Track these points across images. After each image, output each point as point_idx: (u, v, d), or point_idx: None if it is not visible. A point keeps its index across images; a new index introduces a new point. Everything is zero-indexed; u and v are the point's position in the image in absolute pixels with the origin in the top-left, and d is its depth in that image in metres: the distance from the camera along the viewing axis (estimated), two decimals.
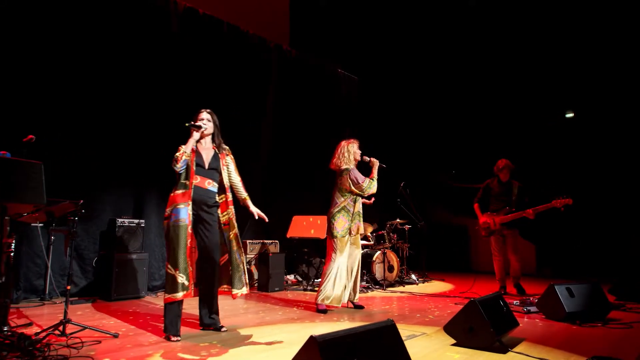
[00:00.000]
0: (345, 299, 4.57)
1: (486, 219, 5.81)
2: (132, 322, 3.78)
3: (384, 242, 7.16)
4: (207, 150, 3.53)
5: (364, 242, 7.20)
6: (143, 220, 5.37)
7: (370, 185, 4.53)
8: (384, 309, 4.63)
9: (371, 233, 7.23)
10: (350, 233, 4.50)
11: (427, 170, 9.86)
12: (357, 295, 4.66)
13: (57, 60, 5.08)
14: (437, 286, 6.80)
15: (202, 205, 3.42)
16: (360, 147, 4.82)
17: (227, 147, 3.71)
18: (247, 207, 3.79)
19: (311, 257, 6.78)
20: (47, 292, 4.81)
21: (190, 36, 6.36)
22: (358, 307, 4.64)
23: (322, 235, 6.12)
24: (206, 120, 3.54)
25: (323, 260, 6.47)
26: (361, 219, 4.64)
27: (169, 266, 3.26)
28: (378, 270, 6.63)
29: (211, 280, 3.51)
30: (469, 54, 9.04)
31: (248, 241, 6.62)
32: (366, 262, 6.79)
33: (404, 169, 8.79)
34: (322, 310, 4.34)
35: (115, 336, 3.21)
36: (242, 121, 7.00)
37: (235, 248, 3.54)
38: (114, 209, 5.48)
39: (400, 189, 7.44)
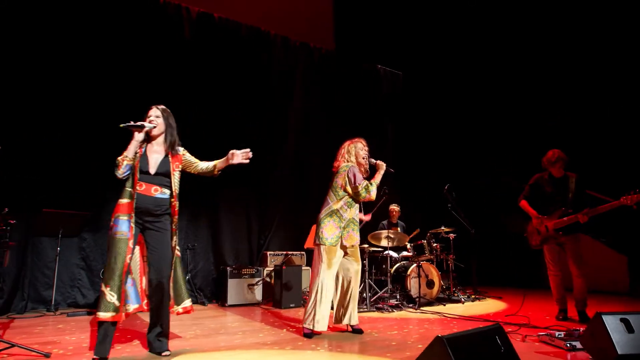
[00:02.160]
0: (341, 321, 3.88)
1: (537, 222, 4.66)
2: (94, 339, 3.51)
3: (425, 252, 6.22)
4: (155, 153, 3.13)
5: (404, 253, 6.35)
6: None
7: (368, 190, 3.80)
8: (388, 335, 3.83)
9: (410, 243, 6.34)
10: (341, 242, 3.79)
11: (481, 171, 8.54)
12: (355, 316, 3.92)
13: (70, 70, 5.20)
14: (487, 305, 5.68)
15: (149, 214, 3.04)
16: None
17: (183, 149, 3.29)
18: (227, 165, 3.30)
19: None
20: (52, 303, 4.83)
21: (206, 41, 6.21)
22: (356, 331, 3.89)
23: None
24: (154, 117, 3.15)
25: None
26: (357, 227, 3.91)
27: (103, 282, 2.92)
28: (414, 285, 5.74)
29: (159, 296, 3.09)
30: (526, 42, 7.70)
31: (268, 253, 6.18)
32: (400, 277, 5.95)
33: (450, 169, 7.73)
34: (307, 335, 3.70)
35: (47, 356, 2.94)
36: (266, 125, 6.65)
37: (176, 260, 3.13)
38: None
39: (444, 192, 6.44)
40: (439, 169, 8.03)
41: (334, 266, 3.78)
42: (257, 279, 5.73)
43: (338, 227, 3.81)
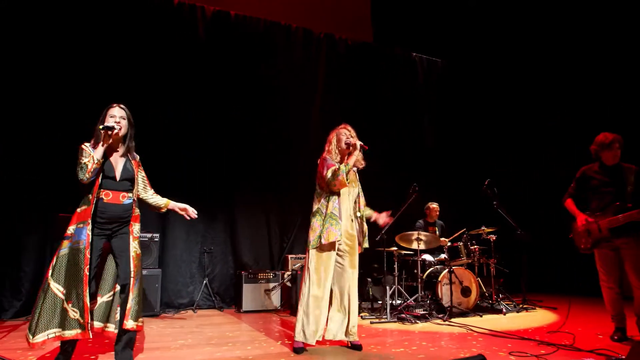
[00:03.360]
0: (333, 335, 3.45)
1: (585, 224, 3.86)
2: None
3: (461, 256, 5.55)
4: (117, 157, 2.94)
5: (442, 256, 5.73)
6: (157, 235, 5.16)
7: (335, 174, 3.32)
8: (390, 352, 3.33)
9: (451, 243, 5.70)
10: (320, 243, 3.37)
11: (531, 165, 7.48)
12: (353, 331, 3.46)
13: (87, 73, 5.28)
14: (533, 318, 4.90)
15: (117, 222, 2.86)
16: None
17: (137, 156, 3.08)
18: (173, 210, 3.11)
19: (369, 276, 5.68)
20: None
21: (220, 40, 6.07)
22: (355, 347, 3.44)
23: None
24: (119, 117, 2.93)
25: (370, 280, 5.36)
26: (338, 222, 3.38)
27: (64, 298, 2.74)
28: (446, 293, 5.12)
29: (124, 306, 2.91)
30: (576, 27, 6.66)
31: (290, 256, 5.87)
32: (431, 283, 5.36)
33: (493, 163, 6.91)
34: (297, 350, 3.31)
35: None
36: (286, 124, 6.36)
37: (137, 270, 2.88)
38: (141, 223, 5.40)
39: (484, 189, 5.69)
40: (481, 163, 7.21)
41: (322, 271, 3.36)
42: (273, 284, 5.44)
43: (319, 226, 3.40)
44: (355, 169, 3.67)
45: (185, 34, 5.86)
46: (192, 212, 3.14)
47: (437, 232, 6.43)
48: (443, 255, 5.68)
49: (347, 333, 3.45)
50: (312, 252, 3.41)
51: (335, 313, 3.51)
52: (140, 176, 3.07)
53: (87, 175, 2.73)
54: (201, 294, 5.47)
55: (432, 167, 7.18)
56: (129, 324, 2.81)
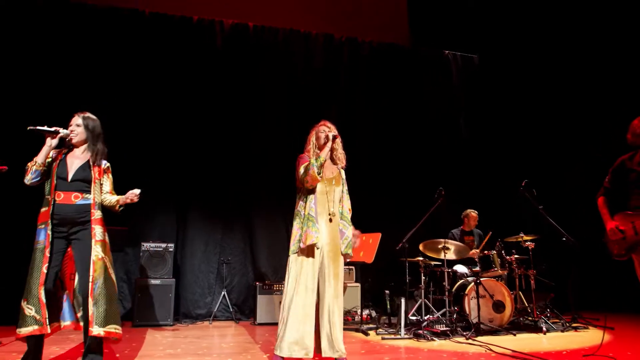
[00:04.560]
0: (324, 351, 3.13)
1: (620, 224, 3.22)
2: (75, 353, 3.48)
3: (493, 267, 4.96)
4: (76, 160, 2.99)
5: (467, 268, 5.18)
6: (172, 245, 5.20)
7: (307, 169, 3.08)
8: None
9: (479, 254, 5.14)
10: (299, 247, 3.11)
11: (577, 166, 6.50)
12: (337, 346, 3.12)
13: (94, 85, 5.51)
14: (579, 338, 4.20)
15: (73, 223, 2.88)
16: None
17: (108, 164, 3.10)
18: (124, 203, 3.04)
19: (387, 288, 5.29)
20: None
21: (239, 52, 6.14)
22: None
23: (370, 258, 4.66)
24: (75, 125, 3.01)
25: (389, 294, 4.98)
26: (315, 224, 3.12)
27: (23, 296, 2.80)
28: (475, 308, 4.57)
29: (86, 311, 2.88)
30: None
31: None
32: (458, 296, 4.83)
33: (534, 164, 6.17)
34: None
35: None
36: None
37: (96, 274, 2.83)
38: (160, 233, 5.51)
39: (520, 190, 5.06)
40: (518, 163, 6.45)
41: (303, 279, 3.10)
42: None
43: (299, 229, 3.16)
44: (339, 166, 3.40)
45: (203, 47, 5.99)
46: (134, 194, 2.99)
47: (475, 242, 5.85)
48: (469, 267, 5.12)
49: (330, 349, 3.14)
50: (292, 258, 3.17)
51: (323, 327, 3.21)
52: (105, 181, 3.07)
53: (27, 177, 2.84)
54: (219, 305, 5.40)
55: (466, 170, 6.61)
56: (95, 330, 2.76)
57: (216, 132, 5.86)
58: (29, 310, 2.70)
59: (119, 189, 5.37)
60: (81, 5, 5.58)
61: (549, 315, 4.95)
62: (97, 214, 2.91)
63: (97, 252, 2.85)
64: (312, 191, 3.20)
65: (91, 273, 2.80)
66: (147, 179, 5.51)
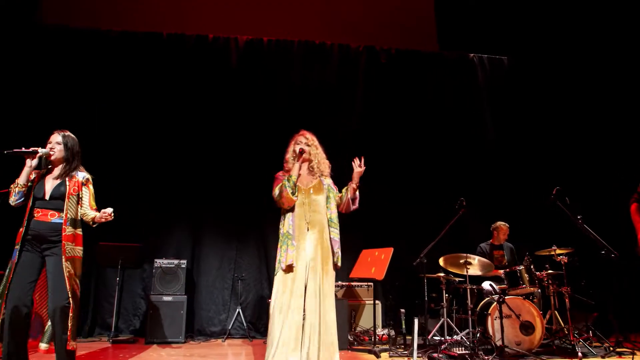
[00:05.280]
0: None
1: None
2: None
3: (521, 283, 4.51)
4: (54, 179, 3.04)
5: (495, 285, 4.75)
6: (184, 261, 5.18)
7: (281, 189, 3.02)
8: None
9: (505, 271, 4.70)
10: (281, 268, 2.97)
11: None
12: None
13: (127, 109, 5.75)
14: None
15: (46, 240, 2.92)
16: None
17: (87, 176, 3.12)
18: (100, 221, 3.02)
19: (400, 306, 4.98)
20: (112, 330, 5.13)
21: (253, 67, 6.16)
22: None
23: (381, 274, 4.38)
24: (55, 143, 3.07)
25: (403, 311, 4.66)
26: (292, 243, 3.00)
27: None
28: (498, 329, 4.15)
29: (56, 327, 2.87)
30: None
31: None
32: (482, 315, 4.43)
33: (564, 169, 5.60)
34: None
35: None
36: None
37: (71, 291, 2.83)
38: (176, 249, 5.55)
39: (552, 198, 4.60)
40: (555, 170, 5.90)
41: (286, 299, 2.94)
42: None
43: (279, 248, 3.02)
44: (319, 175, 3.25)
45: (219, 64, 6.07)
46: (107, 214, 2.96)
47: (506, 257, 5.40)
48: (493, 284, 4.68)
49: None
50: (276, 278, 3.04)
51: (304, 344, 3.00)
52: (84, 194, 3.07)
53: (11, 199, 2.94)
54: (234, 323, 5.31)
55: (493, 178, 6.16)
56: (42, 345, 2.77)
57: (231, 149, 5.86)
58: None
59: (138, 206, 5.52)
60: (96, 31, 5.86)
61: (589, 338, 4.41)
62: (68, 230, 2.92)
63: (68, 268, 2.88)
64: (291, 209, 3.07)
65: (68, 289, 2.81)
66: (163, 196, 5.63)
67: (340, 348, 4.52)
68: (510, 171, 6.12)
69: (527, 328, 4.20)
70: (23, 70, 5.56)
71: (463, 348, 4.13)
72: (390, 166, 6.09)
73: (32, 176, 3.00)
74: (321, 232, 3.09)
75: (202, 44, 6.14)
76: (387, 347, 4.51)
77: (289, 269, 2.95)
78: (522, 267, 4.57)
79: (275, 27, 6.42)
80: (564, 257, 4.51)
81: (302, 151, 3.15)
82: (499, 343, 4.05)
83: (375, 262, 4.56)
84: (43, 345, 2.87)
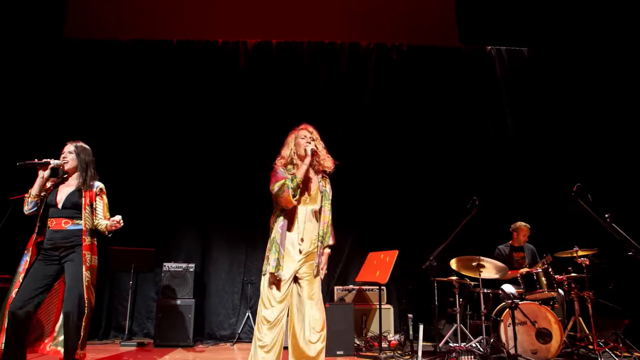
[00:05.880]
0: None
1: None
2: None
3: (538, 287, 4.20)
4: (68, 187, 3.13)
5: (510, 287, 4.46)
6: (192, 265, 5.20)
7: (282, 188, 2.80)
8: None
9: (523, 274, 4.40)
10: (267, 271, 2.86)
11: None
12: None
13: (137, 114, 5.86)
14: None
15: (62, 248, 3.00)
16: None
17: (101, 185, 3.18)
18: (112, 230, 3.06)
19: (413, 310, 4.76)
20: (126, 333, 5.22)
21: (262, 69, 6.15)
22: None
23: (384, 278, 4.20)
24: (67, 153, 3.18)
25: (411, 316, 4.45)
26: (277, 250, 2.84)
27: None
28: (511, 336, 3.88)
29: (67, 331, 2.93)
30: None
31: (336, 288, 5.32)
32: (495, 321, 4.16)
33: (588, 165, 5.18)
34: None
35: None
36: (332, 143, 5.95)
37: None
38: (186, 253, 5.58)
39: (573, 196, 4.27)
40: (577, 167, 5.47)
41: (271, 304, 2.84)
42: None
43: (268, 251, 2.92)
44: (319, 177, 3.10)
45: (228, 68, 6.09)
46: (115, 221, 3.02)
47: (527, 259, 5.08)
48: (511, 287, 4.38)
49: None
50: (263, 280, 2.93)
51: (301, 355, 2.89)
52: (98, 204, 3.13)
53: (25, 208, 3.04)
54: (244, 327, 5.28)
55: (510, 175, 5.82)
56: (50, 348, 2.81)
57: (239, 152, 5.84)
58: None
59: (149, 210, 5.60)
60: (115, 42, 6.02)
61: (617, 347, 4.04)
62: (87, 240, 2.98)
63: (87, 277, 2.95)
64: (286, 210, 2.94)
65: (85, 297, 2.86)
66: (173, 200, 5.69)
67: (346, 354, 4.44)
68: (530, 168, 5.76)
69: (543, 336, 3.90)
70: (44, 80, 5.77)
71: (473, 356, 3.88)
72: (402, 165, 5.90)
73: (48, 185, 3.10)
74: (312, 243, 2.97)
75: (212, 49, 6.18)
76: (392, 354, 4.32)
77: (276, 276, 2.84)
78: (539, 269, 4.26)
79: (284, 28, 6.36)
80: (586, 259, 4.16)
81: (315, 152, 2.96)
82: (512, 351, 3.79)
83: (380, 265, 4.39)
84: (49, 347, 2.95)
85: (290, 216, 2.93)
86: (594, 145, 5.44)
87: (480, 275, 4.34)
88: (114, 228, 3.05)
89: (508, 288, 4.68)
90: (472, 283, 4.78)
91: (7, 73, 5.43)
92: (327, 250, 3.04)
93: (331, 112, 5.98)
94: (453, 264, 4.58)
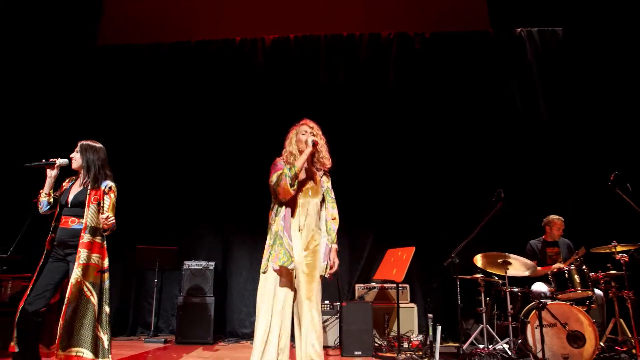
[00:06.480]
0: None
1: None
2: None
3: (571, 286, 3.86)
4: (76, 186, 3.18)
5: (542, 285, 4.15)
6: (212, 263, 5.22)
7: (279, 178, 2.75)
8: None
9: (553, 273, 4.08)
10: (268, 267, 2.79)
11: None
12: None
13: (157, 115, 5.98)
14: None
15: (67, 246, 3.03)
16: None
17: (111, 184, 3.17)
18: (107, 229, 3.08)
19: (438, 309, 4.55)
20: (152, 329, 5.34)
21: (279, 65, 6.09)
22: None
23: (400, 276, 4.01)
24: (75, 152, 3.21)
25: (431, 316, 4.25)
26: (283, 243, 2.75)
27: None
28: (539, 339, 3.59)
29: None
30: None
31: (358, 285, 5.19)
32: (523, 322, 3.88)
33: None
34: None
35: None
36: (353, 137, 5.82)
37: (71, 297, 2.87)
38: (208, 252, 5.62)
39: (609, 186, 3.91)
40: (617, 155, 4.99)
41: (270, 302, 2.77)
42: (325, 317, 4.82)
43: (269, 247, 2.83)
44: (320, 173, 3.00)
45: (246, 66, 6.08)
46: (104, 217, 2.99)
47: (562, 255, 4.72)
48: (540, 285, 4.07)
49: None
50: (262, 278, 2.86)
51: (301, 355, 2.80)
52: (105, 203, 3.13)
53: (38, 207, 3.10)
54: None
55: (541, 165, 5.42)
56: (58, 353, 2.80)
57: (259, 150, 5.80)
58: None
59: (172, 210, 5.70)
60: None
61: None
62: (85, 238, 2.96)
63: (76, 275, 2.89)
64: (285, 202, 2.85)
65: (67, 295, 2.87)
66: (194, 200, 5.75)
67: (364, 354, 4.29)
68: (563, 156, 5.33)
69: (576, 339, 3.57)
70: (68, 84, 6.01)
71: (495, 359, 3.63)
72: (426, 158, 5.64)
73: (64, 184, 3.18)
74: (313, 238, 2.86)
75: (230, 47, 6.20)
76: (410, 355, 4.13)
77: (279, 271, 2.77)
78: (571, 266, 3.92)
79: (302, 23, 6.26)
80: (625, 255, 3.78)
81: (315, 143, 2.89)
82: (540, 355, 3.50)
83: (397, 262, 4.21)
84: (59, 354, 2.95)
85: (291, 208, 2.84)
86: (634, 132, 4.96)
87: (506, 272, 4.05)
88: (105, 227, 3.03)
89: (539, 287, 4.38)
90: (500, 281, 4.49)
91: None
92: (335, 247, 2.92)
93: (351, 106, 5.83)
94: (478, 260, 4.31)
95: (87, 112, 5.89)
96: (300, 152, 2.94)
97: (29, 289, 2.94)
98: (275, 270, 2.79)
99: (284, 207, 2.84)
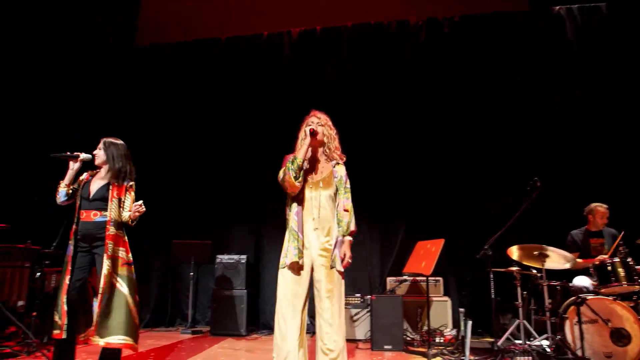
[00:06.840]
0: None
1: None
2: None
3: (614, 279, 3.62)
4: (99, 181, 3.29)
5: (584, 279, 3.93)
6: (244, 256, 5.30)
7: (284, 172, 2.78)
8: None
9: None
10: (285, 263, 2.79)
11: None
12: None
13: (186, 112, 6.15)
14: None
15: (94, 239, 3.16)
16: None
17: (132, 182, 3.27)
18: (135, 219, 3.17)
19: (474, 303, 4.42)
20: (189, 321, 5.51)
21: (306, 57, 6.06)
22: None
23: (429, 269, 3.91)
24: (98, 149, 3.32)
25: (463, 310, 4.11)
26: (295, 239, 2.75)
27: None
28: (578, 336, 3.40)
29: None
30: None
31: (389, 279, 5.12)
32: (561, 318, 3.69)
33: None
34: None
35: None
36: (381, 128, 5.72)
37: (105, 287, 3.00)
38: (241, 245, 5.73)
39: None
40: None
41: (288, 298, 2.79)
42: (356, 311, 4.79)
43: (286, 241, 2.83)
44: (333, 163, 2.95)
45: (272, 58, 6.11)
46: (137, 206, 3.06)
47: (606, 246, 4.43)
48: (582, 280, 3.83)
49: None
50: (280, 273, 2.87)
51: (319, 354, 2.78)
52: (127, 199, 3.26)
53: (56, 198, 3.20)
54: None
55: (577, 152, 5.10)
56: (95, 339, 2.95)
57: (290, 145, 5.83)
58: (56, 316, 3.04)
59: (206, 205, 5.83)
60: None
61: None
62: (111, 230, 3.08)
63: (107, 266, 3.02)
64: (297, 197, 2.83)
65: (101, 286, 3.00)
66: (227, 193, 5.85)
67: (395, 349, 4.24)
68: (605, 141, 4.98)
69: (620, 337, 3.35)
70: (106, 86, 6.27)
71: (532, 357, 3.47)
72: (460, 146, 5.46)
73: (82, 177, 3.28)
74: (328, 232, 2.83)
75: (257, 42, 6.23)
76: (441, 350, 4.03)
77: (292, 267, 2.77)
78: (616, 259, 3.67)
79: (329, 15, 6.17)
80: None
81: (313, 132, 2.83)
82: (579, 353, 3.32)
83: (426, 255, 4.10)
84: (96, 339, 3.10)
85: (303, 202, 2.82)
86: None
87: (543, 265, 3.85)
88: (137, 214, 3.10)
89: (581, 281, 4.15)
90: (538, 274, 4.27)
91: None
92: (348, 239, 2.86)
93: (385, 98, 5.73)
94: (513, 253, 4.11)
95: (107, 110, 6.07)
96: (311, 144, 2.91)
97: (66, 279, 3.07)
98: (288, 266, 2.78)
99: (295, 202, 2.83)
